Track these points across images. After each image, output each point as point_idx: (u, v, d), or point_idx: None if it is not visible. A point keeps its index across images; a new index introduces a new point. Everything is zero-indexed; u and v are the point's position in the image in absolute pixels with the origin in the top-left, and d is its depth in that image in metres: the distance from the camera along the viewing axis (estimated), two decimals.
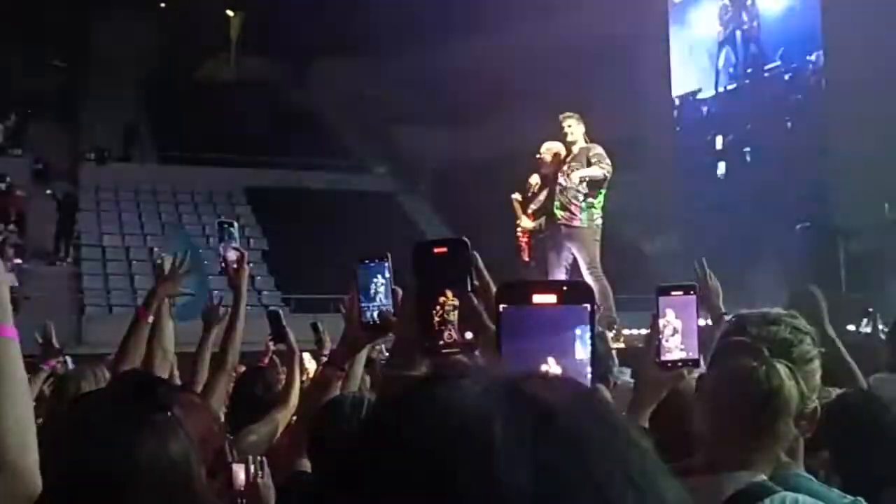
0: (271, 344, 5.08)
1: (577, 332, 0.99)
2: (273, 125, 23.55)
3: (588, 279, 7.12)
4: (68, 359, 6.66)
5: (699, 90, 19.07)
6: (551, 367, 0.98)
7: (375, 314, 1.84)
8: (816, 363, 1.75)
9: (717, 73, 18.52)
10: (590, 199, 7.31)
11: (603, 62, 18.64)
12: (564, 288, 0.98)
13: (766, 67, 17.12)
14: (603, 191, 7.39)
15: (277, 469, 2.08)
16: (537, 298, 1.04)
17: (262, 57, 27.81)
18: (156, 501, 1.23)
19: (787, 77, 16.71)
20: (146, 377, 1.97)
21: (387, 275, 1.84)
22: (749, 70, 17.64)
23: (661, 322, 1.80)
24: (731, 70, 18.24)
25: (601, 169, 7.23)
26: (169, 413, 1.28)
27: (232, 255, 3.30)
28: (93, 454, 1.23)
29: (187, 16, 27.71)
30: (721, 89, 18.44)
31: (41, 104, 25.15)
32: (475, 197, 18.70)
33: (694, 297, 1.84)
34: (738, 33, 17.91)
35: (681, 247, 15.38)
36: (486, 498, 0.52)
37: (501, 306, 1.06)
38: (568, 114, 7.47)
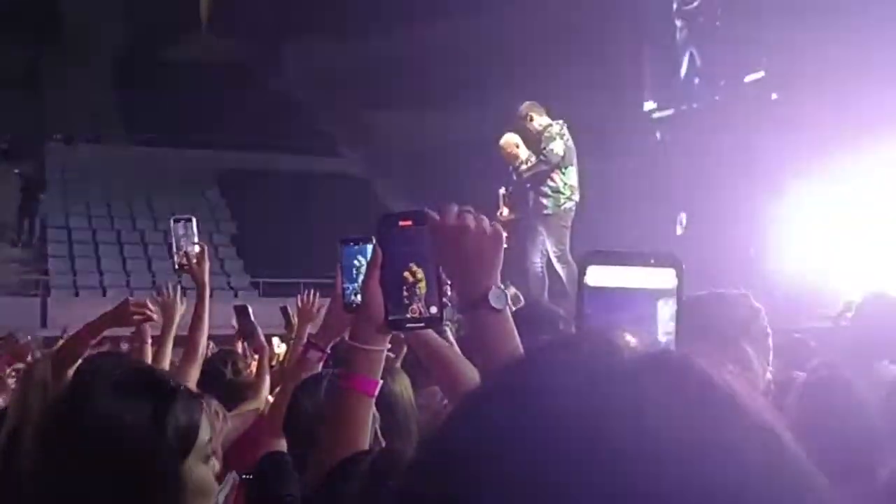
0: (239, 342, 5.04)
1: (660, 303, 0.96)
2: (244, 107, 23.37)
3: (556, 265, 7.12)
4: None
5: (654, 108, 14.81)
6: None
7: (358, 296, 1.81)
8: (770, 340, 1.92)
9: (680, 84, 14.21)
10: (551, 184, 7.23)
11: (576, 46, 17.22)
12: (652, 260, 0.95)
13: (747, 79, 12.83)
14: (566, 170, 7.26)
15: (256, 449, 2.08)
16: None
17: (233, 38, 27.54)
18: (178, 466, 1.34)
19: (774, 96, 12.29)
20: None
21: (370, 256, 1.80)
22: (722, 82, 13.37)
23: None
24: (696, 80, 13.89)
25: (545, 155, 7.12)
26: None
27: (192, 250, 3.34)
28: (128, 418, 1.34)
29: None
30: (684, 108, 14.10)
31: (7, 81, 24.74)
32: (448, 181, 18.68)
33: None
34: (708, 30, 13.63)
35: (651, 235, 15.10)
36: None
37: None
38: (523, 112, 7.34)
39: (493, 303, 1.26)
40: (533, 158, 7.26)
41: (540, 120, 7.34)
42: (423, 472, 0.53)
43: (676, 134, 14.28)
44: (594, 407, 0.48)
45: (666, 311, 0.96)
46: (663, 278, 0.95)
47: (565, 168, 7.24)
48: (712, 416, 0.49)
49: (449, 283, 1.36)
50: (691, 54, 13.98)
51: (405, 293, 1.33)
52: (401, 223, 1.35)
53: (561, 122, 7.32)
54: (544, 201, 7.23)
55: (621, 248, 0.96)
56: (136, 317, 3.03)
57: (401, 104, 23.51)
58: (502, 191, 7.70)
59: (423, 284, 1.33)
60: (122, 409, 1.35)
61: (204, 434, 1.38)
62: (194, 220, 3.44)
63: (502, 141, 7.47)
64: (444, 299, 1.36)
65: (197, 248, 3.35)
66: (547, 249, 7.27)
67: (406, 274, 1.33)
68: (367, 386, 1.38)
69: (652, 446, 0.46)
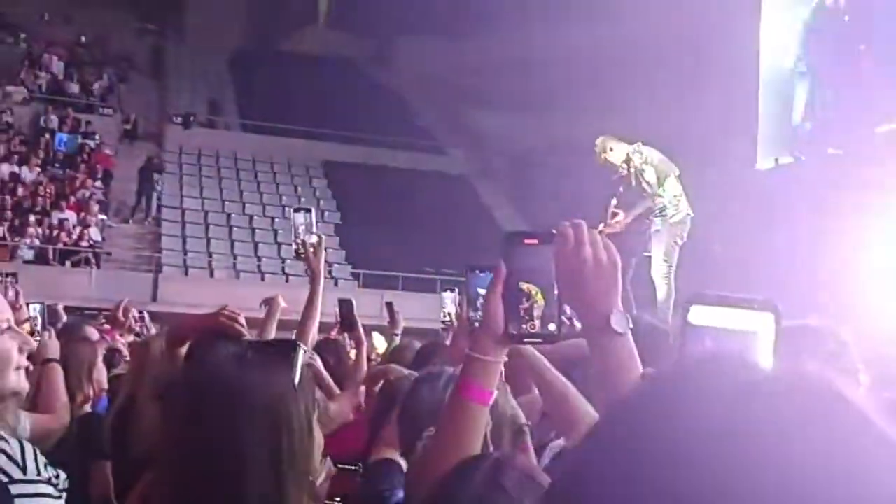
0: (341, 334, 5.18)
1: (756, 343, 1.00)
2: (354, 101, 23.84)
3: (654, 275, 7.02)
4: (146, 314, 7.02)
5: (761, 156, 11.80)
6: None
7: None
8: (861, 375, 1.88)
9: (791, 130, 10.89)
10: (654, 207, 7.11)
11: (684, 53, 16.88)
12: (753, 304, 1.00)
13: (879, 130, 9.95)
14: (664, 186, 7.03)
15: (351, 440, 2.13)
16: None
17: (348, 33, 28.10)
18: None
19: None
20: None
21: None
22: (840, 132, 10.31)
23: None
24: (808, 126, 10.58)
25: (645, 190, 7.02)
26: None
27: (310, 240, 3.45)
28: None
29: None
30: (791, 159, 10.85)
31: (133, 66, 25.88)
32: (548, 184, 18.71)
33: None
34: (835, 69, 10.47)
35: (750, 251, 14.39)
36: None
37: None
38: (599, 146, 7.11)
39: (615, 327, 1.29)
40: (625, 164, 7.14)
41: (619, 148, 7.19)
42: (564, 485, 0.55)
43: (784, 186, 12.02)
44: (737, 424, 0.49)
45: (761, 351, 1.00)
46: (762, 322, 1.00)
47: (661, 185, 7.11)
48: (850, 434, 0.50)
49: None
50: (809, 95, 11.35)
51: (524, 308, 1.37)
52: (526, 241, 1.39)
53: (637, 145, 7.19)
54: (654, 219, 7.12)
55: (725, 292, 1.00)
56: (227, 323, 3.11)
57: (506, 105, 23.60)
58: (614, 201, 7.45)
59: (541, 300, 1.37)
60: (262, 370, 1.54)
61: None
62: (314, 210, 3.59)
63: (597, 150, 7.33)
64: (563, 317, 1.41)
65: (314, 238, 3.45)
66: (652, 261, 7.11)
67: (526, 289, 1.37)
68: (482, 395, 1.40)
69: (796, 463, 0.48)
